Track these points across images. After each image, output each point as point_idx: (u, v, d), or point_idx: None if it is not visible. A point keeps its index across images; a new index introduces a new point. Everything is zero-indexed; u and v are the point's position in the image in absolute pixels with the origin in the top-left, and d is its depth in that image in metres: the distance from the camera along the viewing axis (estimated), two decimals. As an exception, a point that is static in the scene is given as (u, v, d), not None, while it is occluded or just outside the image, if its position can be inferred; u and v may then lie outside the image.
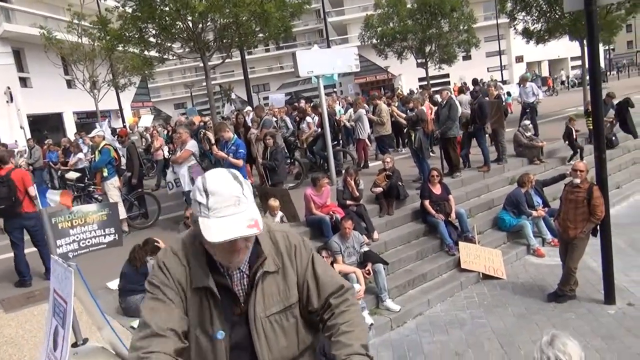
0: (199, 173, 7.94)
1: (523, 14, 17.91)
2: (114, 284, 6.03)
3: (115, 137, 12.83)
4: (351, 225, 6.71)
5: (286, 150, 11.85)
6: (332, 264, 6.16)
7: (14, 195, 6.46)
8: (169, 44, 11.72)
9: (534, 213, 8.41)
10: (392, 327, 6.27)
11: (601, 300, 6.13)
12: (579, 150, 10.99)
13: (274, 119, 12.10)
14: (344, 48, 13.47)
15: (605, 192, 5.95)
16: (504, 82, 32.74)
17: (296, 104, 18.37)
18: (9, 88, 22.75)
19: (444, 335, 6.02)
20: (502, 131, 10.56)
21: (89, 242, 3.96)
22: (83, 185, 9.51)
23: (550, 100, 25.66)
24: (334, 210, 7.45)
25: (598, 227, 6.01)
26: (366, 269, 6.59)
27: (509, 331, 5.82)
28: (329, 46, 26.62)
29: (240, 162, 7.62)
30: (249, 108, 16.02)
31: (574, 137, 10.96)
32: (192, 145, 8.04)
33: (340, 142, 12.39)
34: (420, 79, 34.66)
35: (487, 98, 10.70)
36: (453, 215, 8.06)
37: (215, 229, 1.47)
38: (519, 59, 47.99)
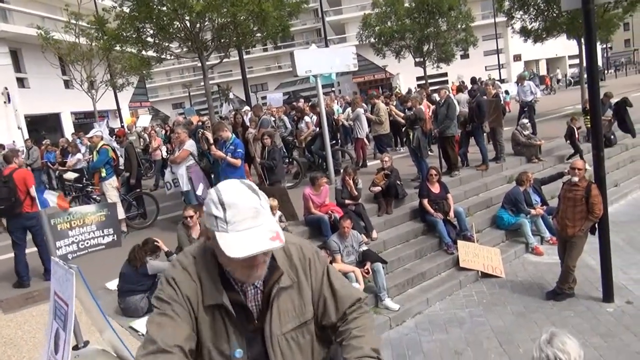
0: (197, 173, 7.95)
1: (521, 12, 17.91)
2: (113, 284, 6.02)
3: (113, 137, 12.82)
4: (350, 224, 6.71)
5: (284, 150, 11.85)
6: (330, 263, 6.16)
7: (13, 196, 6.46)
8: (166, 44, 11.70)
9: (533, 211, 8.42)
10: (391, 326, 6.28)
11: (600, 298, 6.14)
12: (580, 151, 10.95)
13: (272, 118, 12.10)
14: (342, 47, 13.46)
15: (603, 190, 5.96)
16: (501, 80, 32.82)
17: (295, 103, 18.37)
18: (6, 88, 22.73)
19: (443, 334, 6.03)
20: (500, 130, 10.57)
21: (87, 243, 3.95)
22: (81, 185, 9.50)
23: (548, 98, 25.70)
24: (333, 210, 7.45)
25: (596, 225, 6.03)
26: (365, 268, 6.59)
27: (508, 329, 5.83)
28: (327, 45, 26.64)
29: (239, 162, 7.62)
30: (247, 107, 16.03)
31: (576, 137, 10.94)
32: (190, 145, 8.03)
33: (339, 141, 12.39)
34: (418, 78, 34.71)
35: (485, 97, 10.70)
36: (452, 214, 8.06)
37: (236, 244, 1.40)
38: (517, 58, 48.08)
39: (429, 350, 5.68)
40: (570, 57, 44.25)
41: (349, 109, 13.49)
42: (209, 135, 8.33)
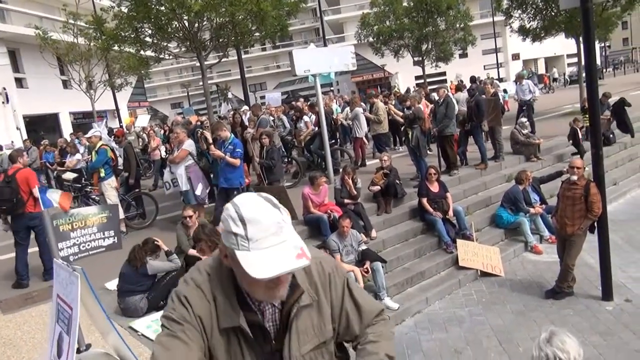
0: (196, 173, 7.94)
1: (519, 11, 17.92)
2: (112, 285, 6.02)
3: (112, 137, 12.80)
4: (349, 223, 6.71)
5: (283, 149, 11.85)
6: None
7: (15, 196, 6.45)
8: (165, 44, 11.68)
9: (532, 210, 8.43)
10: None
11: (599, 296, 6.15)
12: (584, 152, 10.90)
13: (271, 118, 12.09)
14: (341, 46, 13.45)
15: (602, 189, 5.97)
16: (500, 79, 32.82)
17: (294, 102, 18.36)
18: (4, 89, 22.69)
19: (442, 332, 6.03)
20: (499, 129, 10.58)
21: (88, 245, 3.95)
22: (80, 185, 9.49)
23: (547, 97, 25.71)
24: (332, 209, 7.45)
25: (595, 223, 6.04)
26: (364, 267, 6.59)
27: (508, 328, 5.84)
28: (325, 45, 26.59)
29: (238, 162, 7.63)
30: (245, 107, 16.03)
31: (579, 137, 10.92)
32: (189, 144, 8.02)
33: (338, 140, 12.40)
34: (417, 77, 34.66)
35: (483, 96, 10.71)
36: (451, 213, 8.07)
37: (260, 264, 1.29)
38: (515, 57, 48.11)
39: (429, 349, 5.68)
40: (569, 56, 44.25)
41: (347, 109, 13.49)
42: (208, 135, 8.33)
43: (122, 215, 8.30)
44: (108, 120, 26.15)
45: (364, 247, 6.85)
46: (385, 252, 7.47)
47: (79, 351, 3.16)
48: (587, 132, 10.20)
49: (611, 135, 12.13)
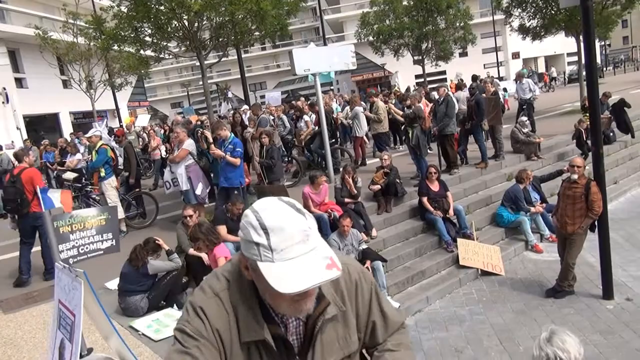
0: (196, 172, 7.94)
1: (519, 10, 17.91)
2: (113, 284, 6.02)
3: (112, 136, 12.79)
4: (349, 223, 6.71)
5: (283, 149, 11.85)
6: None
7: (19, 196, 6.45)
8: (164, 43, 11.68)
9: (532, 209, 8.43)
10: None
11: (599, 295, 6.15)
12: (588, 152, 10.83)
13: (271, 117, 12.09)
14: (341, 46, 13.45)
15: (602, 188, 5.96)
16: (500, 78, 32.81)
17: (294, 102, 18.35)
18: (4, 89, 22.69)
19: (443, 331, 6.03)
20: (500, 127, 10.57)
21: (87, 248, 3.94)
22: (80, 185, 9.48)
23: (547, 96, 25.70)
24: (332, 208, 7.45)
25: (596, 222, 6.03)
26: (365, 266, 6.59)
27: (508, 327, 5.84)
28: (325, 44, 26.59)
29: (238, 161, 7.63)
30: (245, 106, 16.02)
31: (584, 138, 10.89)
32: (189, 144, 8.03)
33: (338, 140, 12.39)
34: (417, 76, 34.65)
35: (484, 94, 10.70)
36: (451, 212, 8.07)
37: (287, 277, 1.17)
38: (515, 56, 48.09)
39: (429, 348, 5.68)
40: (569, 55, 44.23)
41: (347, 108, 13.48)
42: (208, 134, 8.33)
43: (122, 215, 8.31)
44: (108, 120, 26.12)
45: (364, 246, 6.85)
46: (385, 251, 7.47)
47: (81, 356, 3.15)
48: (587, 131, 10.17)
49: (611, 134, 12.11)
